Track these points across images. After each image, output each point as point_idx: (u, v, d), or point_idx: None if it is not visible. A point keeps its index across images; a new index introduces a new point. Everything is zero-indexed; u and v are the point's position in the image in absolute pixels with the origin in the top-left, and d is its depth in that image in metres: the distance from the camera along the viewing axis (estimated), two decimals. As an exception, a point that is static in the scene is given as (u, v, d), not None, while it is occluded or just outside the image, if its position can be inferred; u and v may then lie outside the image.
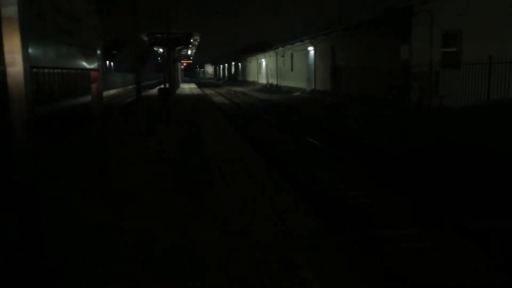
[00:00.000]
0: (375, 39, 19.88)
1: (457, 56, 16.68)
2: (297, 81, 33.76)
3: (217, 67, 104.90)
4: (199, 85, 55.70)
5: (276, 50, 40.40)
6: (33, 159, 2.40)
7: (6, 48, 2.34)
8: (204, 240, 3.82)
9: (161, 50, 38.62)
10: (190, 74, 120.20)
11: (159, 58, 53.40)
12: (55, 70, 6.53)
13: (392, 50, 17.69)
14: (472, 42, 16.40)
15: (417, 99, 16.39)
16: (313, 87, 29.42)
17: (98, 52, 4.39)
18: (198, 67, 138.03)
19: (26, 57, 2.39)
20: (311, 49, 30.08)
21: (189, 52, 46.18)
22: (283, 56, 38.42)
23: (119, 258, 3.45)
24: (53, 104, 8.45)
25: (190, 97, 28.46)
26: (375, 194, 6.30)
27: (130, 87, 51.60)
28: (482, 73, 14.54)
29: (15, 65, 2.35)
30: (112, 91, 42.45)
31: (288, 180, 6.51)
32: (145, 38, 31.06)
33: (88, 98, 4.63)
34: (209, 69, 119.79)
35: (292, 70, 35.82)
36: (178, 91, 35.43)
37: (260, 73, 50.69)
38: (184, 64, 63.56)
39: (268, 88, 41.15)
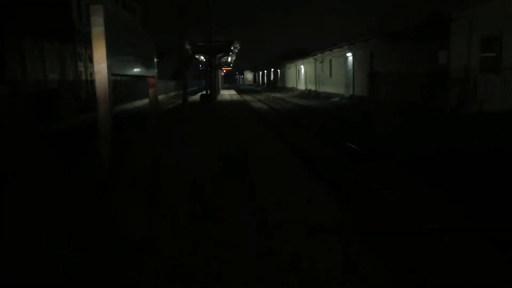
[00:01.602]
0: (414, 45, 20.00)
1: (496, 61, 16.61)
2: (335, 87, 34.04)
3: (256, 74, 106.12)
4: (239, 91, 56.72)
5: (315, 57, 40.82)
6: (114, 143, 3.09)
7: (95, 59, 3.02)
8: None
9: (202, 57, 39.96)
10: (230, 80, 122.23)
11: (200, 66, 54.93)
12: (123, 78, 7.26)
13: (431, 55, 17.81)
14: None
15: (455, 104, 16.43)
16: (351, 93, 29.64)
17: (155, 60, 5.09)
18: (237, 74, 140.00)
19: (108, 66, 3.06)
20: (349, 55, 30.34)
21: (229, 59, 47.32)
22: (321, 62, 38.78)
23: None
24: (123, 103, 9.26)
25: (230, 103, 29.29)
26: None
27: (172, 93, 53.30)
28: (523, 77, 14.49)
29: (101, 73, 3.02)
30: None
31: (316, 174, 6.97)
32: (188, 47, 32.28)
33: (146, 100, 5.35)
34: (248, 75, 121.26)
35: (330, 76, 36.12)
36: (219, 97, 36.41)
37: (299, 79, 51.17)
38: (224, 71, 65.01)
39: (307, 94, 41.56)
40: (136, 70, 4.12)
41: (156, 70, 5.03)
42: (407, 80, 19.95)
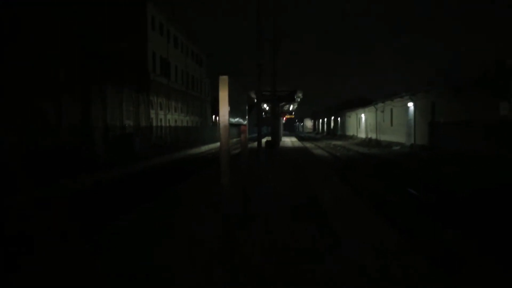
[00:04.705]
0: (474, 96, 20.46)
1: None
2: (396, 136, 34.44)
3: (316, 121, 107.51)
4: (299, 138, 58.11)
5: (376, 106, 41.58)
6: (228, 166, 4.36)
7: (221, 112, 4.35)
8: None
9: (265, 105, 41.94)
10: (289, 128, 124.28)
11: (263, 114, 57.02)
12: (233, 123, 9.09)
13: (491, 107, 18.20)
14: None
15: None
16: (412, 142, 29.97)
17: (246, 113, 6.42)
18: (297, 121, 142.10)
19: (227, 118, 4.37)
20: (410, 105, 30.91)
21: (291, 107, 49.05)
22: (382, 111, 39.44)
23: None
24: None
25: (292, 149, 30.52)
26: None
27: (234, 140, 55.69)
28: None
29: (224, 122, 4.33)
30: (219, 144, 46.31)
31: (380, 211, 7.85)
32: (253, 96, 34.32)
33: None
34: (308, 123, 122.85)
35: (391, 125, 36.61)
36: (281, 144, 37.81)
37: (359, 127, 51.79)
38: (285, 118, 66.88)
39: (367, 142, 42.06)
40: (237, 119, 5.42)
41: (247, 120, 6.35)
42: (468, 130, 20.29)
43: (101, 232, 5.88)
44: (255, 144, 30.39)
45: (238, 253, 4.76)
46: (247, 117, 6.19)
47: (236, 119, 5.54)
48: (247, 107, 6.34)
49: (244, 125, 6.10)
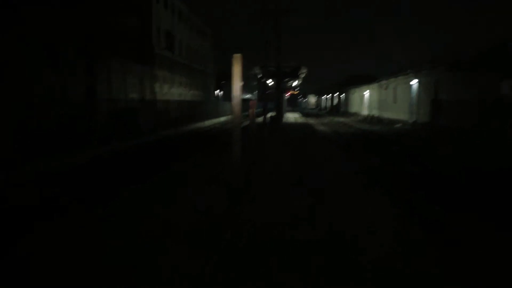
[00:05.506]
0: (477, 74, 20.65)
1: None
2: (399, 113, 34.67)
3: (320, 98, 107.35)
4: (302, 114, 58.35)
5: (380, 83, 41.66)
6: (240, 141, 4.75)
7: (234, 87, 4.71)
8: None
9: (269, 81, 42.09)
10: (293, 103, 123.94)
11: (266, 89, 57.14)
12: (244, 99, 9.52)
13: (493, 85, 18.44)
14: None
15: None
16: (415, 119, 30.23)
17: (254, 88, 6.79)
18: (301, 97, 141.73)
19: (239, 93, 4.74)
20: (414, 82, 31.05)
21: (295, 83, 49.16)
22: (386, 88, 39.55)
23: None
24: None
25: (296, 125, 30.91)
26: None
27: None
28: None
29: (237, 97, 4.70)
30: (222, 118, 46.64)
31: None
32: (257, 71, 34.48)
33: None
34: (312, 99, 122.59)
35: (395, 102, 36.79)
36: (284, 119, 38.14)
37: (362, 104, 51.93)
38: (288, 94, 66.99)
39: (370, 119, 42.33)
40: (248, 95, 5.81)
41: (256, 96, 6.72)
42: (469, 108, 20.57)
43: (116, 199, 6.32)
44: (260, 118, 30.78)
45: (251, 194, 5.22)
46: (255, 92, 6.54)
47: (248, 95, 5.93)
48: (256, 83, 6.71)
49: (253, 100, 6.46)
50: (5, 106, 13.47)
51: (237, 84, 4.66)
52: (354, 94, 57.82)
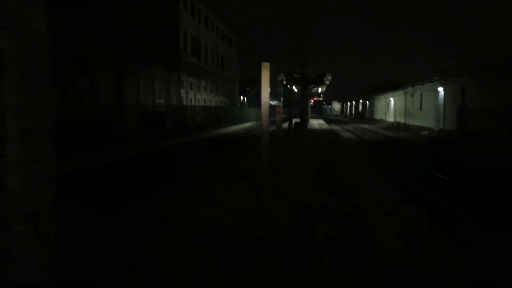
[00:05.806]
0: (503, 81, 20.40)
1: None
2: (425, 120, 34.33)
3: (344, 104, 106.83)
4: (326, 121, 58.23)
5: (405, 90, 41.34)
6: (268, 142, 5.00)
7: (263, 93, 4.96)
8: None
9: (294, 88, 42.28)
10: (317, 110, 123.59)
11: (293, 96, 57.41)
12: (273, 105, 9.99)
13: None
14: None
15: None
16: (441, 127, 29.90)
17: (281, 95, 7.04)
18: (324, 104, 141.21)
19: (268, 100, 4.99)
20: (440, 89, 30.74)
21: (320, 90, 49.17)
22: (412, 95, 39.21)
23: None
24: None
25: (320, 131, 30.96)
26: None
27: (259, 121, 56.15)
28: None
29: (265, 102, 4.95)
30: (248, 124, 46.91)
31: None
32: (282, 78, 34.73)
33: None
34: (336, 106, 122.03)
35: (421, 109, 36.45)
36: (308, 126, 38.24)
37: (388, 111, 51.53)
38: (312, 100, 66.91)
39: (396, 126, 41.99)
40: (275, 102, 6.05)
41: (282, 102, 6.98)
42: (496, 115, 20.32)
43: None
44: (285, 124, 31.04)
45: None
46: (281, 98, 6.79)
47: (275, 101, 6.17)
48: (282, 89, 6.96)
49: (279, 106, 6.70)
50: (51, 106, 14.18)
51: (265, 91, 4.90)
52: (380, 101, 57.43)
